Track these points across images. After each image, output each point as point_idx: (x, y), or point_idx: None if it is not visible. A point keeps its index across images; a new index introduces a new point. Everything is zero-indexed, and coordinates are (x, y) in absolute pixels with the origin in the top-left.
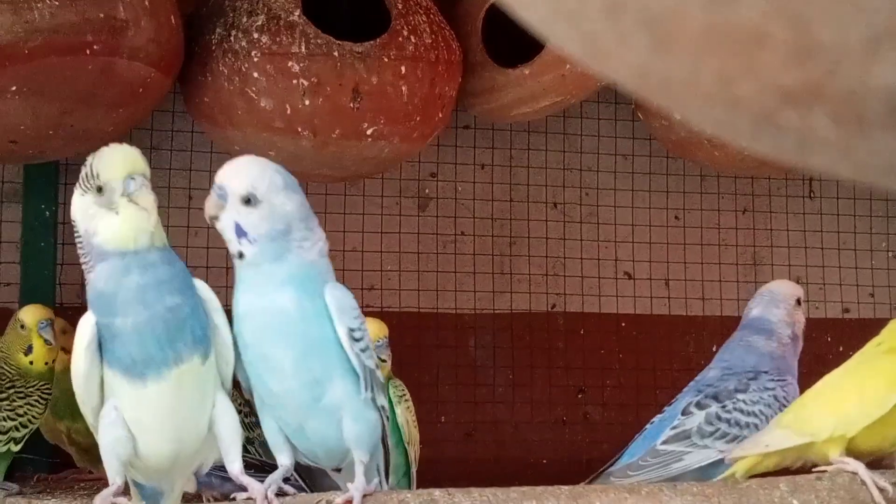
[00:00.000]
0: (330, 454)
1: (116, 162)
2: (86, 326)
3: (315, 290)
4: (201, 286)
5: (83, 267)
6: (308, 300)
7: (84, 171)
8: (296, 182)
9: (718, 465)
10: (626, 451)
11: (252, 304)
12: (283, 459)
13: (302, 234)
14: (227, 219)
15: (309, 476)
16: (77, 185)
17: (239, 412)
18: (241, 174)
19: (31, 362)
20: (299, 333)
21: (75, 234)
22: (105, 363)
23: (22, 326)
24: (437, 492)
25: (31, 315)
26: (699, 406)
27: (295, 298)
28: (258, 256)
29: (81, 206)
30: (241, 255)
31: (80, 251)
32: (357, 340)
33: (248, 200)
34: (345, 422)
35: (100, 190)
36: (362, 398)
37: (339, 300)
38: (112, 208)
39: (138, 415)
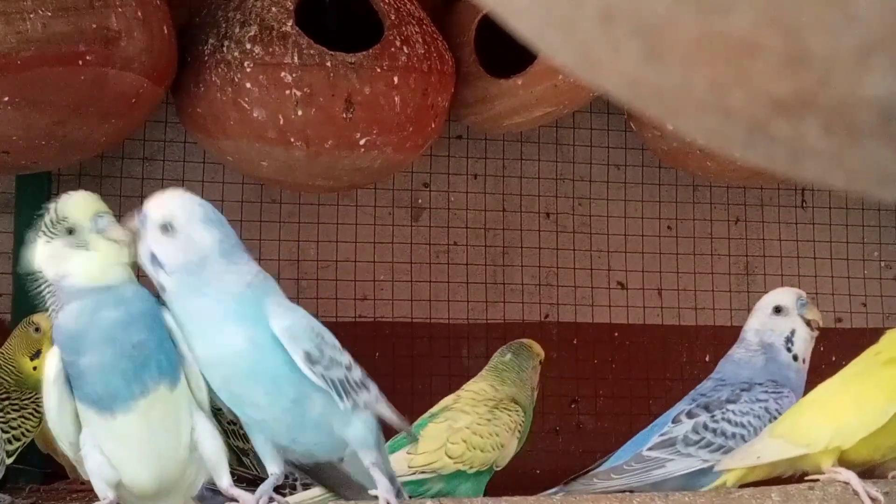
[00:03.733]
0: (329, 453)
1: (83, 202)
2: (52, 362)
3: (258, 318)
4: (170, 317)
5: (51, 318)
6: (256, 332)
7: (47, 218)
8: (221, 218)
9: (707, 473)
10: (614, 455)
11: (206, 352)
12: (273, 468)
13: (221, 269)
14: (144, 248)
15: (313, 471)
16: (41, 233)
17: (233, 423)
18: (162, 203)
19: (34, 367)
20: (261, 368)
21: (42, 286)
22: (76, 398)
23: (36, 329)
24: (428, 501)
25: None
26: (689, 415)
27: (242, 334)
28: (179, 291)
29: (49, 252)
30: (163, 289)
31: (49, 301)
32: (316, 362)
33: (165, 228)
34: (338, 429)
35: (70, 231)
36: (342, 409)
37: (287, 329)
38: (85, 247)
39: (113, 446)
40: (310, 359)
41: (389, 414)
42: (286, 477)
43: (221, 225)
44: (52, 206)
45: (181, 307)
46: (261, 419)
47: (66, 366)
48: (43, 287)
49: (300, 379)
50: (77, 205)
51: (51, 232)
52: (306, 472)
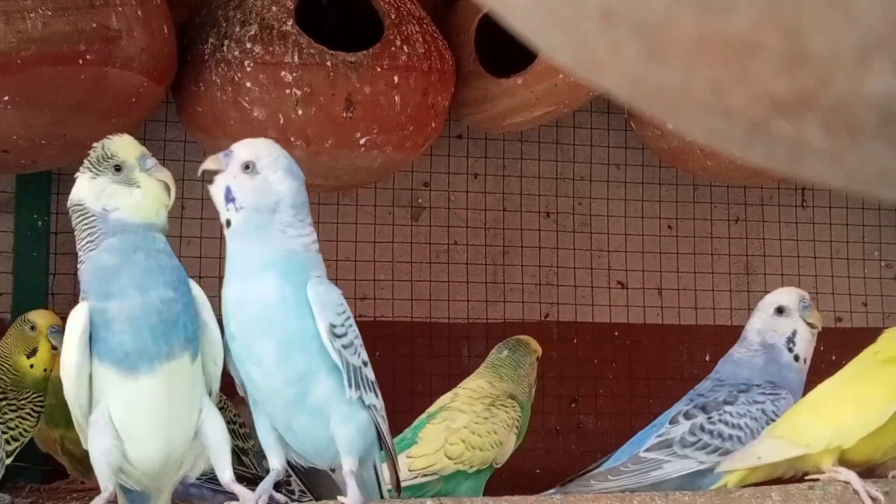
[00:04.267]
0: (320, 454)
1: (129, 143)
2: (79, 315)
3: (298, 281)
4: (192, 284)
5: (80, 255)
6: (291, 291)
7: (94, 154)
8: (301, 173)
9: (705, 475)
10: (613, 456)
11: (236, 292)
12: (275, 462)
13: (287, 220)
14: (221, 182)
15: (308, 477)
16: (85, 170)
17: (234, 422)
18: (251, 144)
19: (31, 365)
20: (280, 325)
21: (80, 220)
22: (96, 358)
23: (32, 328)
24: (428, 501)
25: (43, 318)
26: (687, 416)
27: (277, 287)
28: (242, 226)
29: (95, 187)
30: (228, 224)
31: (82, 235)
32: (339, 337)
33: (247, 167)
34: (333, 424)
35: (118, 169)
36: (348, 398)
37: (320, 295)
38: (133, 184)
39: (128, 413)
40: (333, 331)
41: (386, 430)
42: (287, 480)
43: (300, 179)
44: (99, 144)
45: (236, 245)
46: (262, 388)
47: (93, 316)
48: (81, 221)
49: (315, 352)
50: (125, 144)
51: (97, 168)
52: (302, 478)
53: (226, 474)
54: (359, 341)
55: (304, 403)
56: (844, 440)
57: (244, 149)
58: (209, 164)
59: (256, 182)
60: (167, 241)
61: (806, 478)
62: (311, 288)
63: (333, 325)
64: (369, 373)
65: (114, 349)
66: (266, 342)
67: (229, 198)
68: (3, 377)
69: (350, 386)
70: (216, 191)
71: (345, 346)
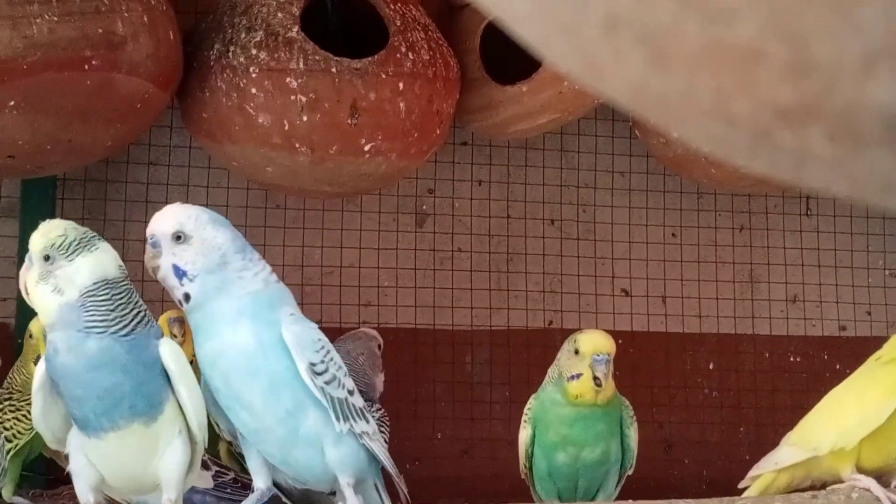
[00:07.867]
0: (318, 480)
1: (33, 237)
2: (39, 371)
3: (271, 321)
4: (169, 356)
5: None
6: (266, 332)
7: None
8: (224, 219)
9: None
10: None
11: (212, 348)
12: (260, 483)
13: (240, 265)
14: (166, 264)
15: (304, 501)
16: None
17: None
18: (166, 217)
19: None
20: (262, 368)
21: None
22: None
23: (30, 336)
24: (440, 501)
25: (36, 324)
26: None
27: (252, 332)
28: (202, 294)
29: None
30: (187, 298)
31: None
32: (320, 374)
33: (178, 237)
34: (326, 449)
35: (46, 258)
36: (338, 431)
37: (296, 335)
38: (45, 280)
39: (90, 456)
40: (313, 370)
41: (382, 453)
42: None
43: (228, 225)
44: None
45: (202, 313)
46: (254, 428)
47: (51, 382)
48: None
49: (300, 389)
50: (39, 231)
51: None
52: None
53: (167, 494)
54: (342, 372)
55: (296, 437)
56: (848, 440)
57: (161, 225)
58: (149, 261)
59: (196, 246)
60: (102, 333)
61: (829, 488)
62: (285, 330)
63: (313, 364)
64: (357, 400)
65: (69, 410)
66: (252, 387)
67: (180, 273)
68: (17, 377)
69: (338, 419)
70: (166, 275)
71: (327, 382)
